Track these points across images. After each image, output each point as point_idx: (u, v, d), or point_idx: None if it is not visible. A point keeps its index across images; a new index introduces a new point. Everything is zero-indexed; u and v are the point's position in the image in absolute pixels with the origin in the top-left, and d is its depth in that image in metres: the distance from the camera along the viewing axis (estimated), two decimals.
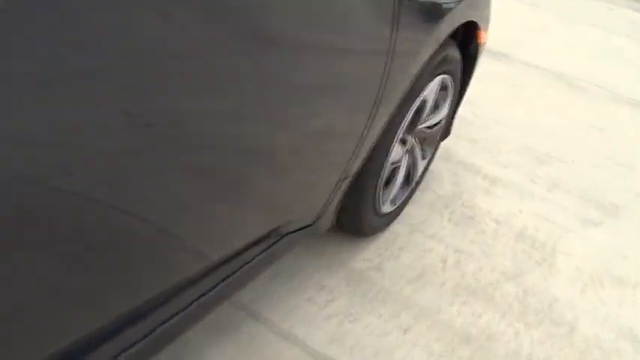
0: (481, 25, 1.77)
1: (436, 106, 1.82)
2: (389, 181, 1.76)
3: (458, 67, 1.80)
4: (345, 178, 1.37)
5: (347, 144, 1.28)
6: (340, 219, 1.69)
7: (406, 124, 1.58)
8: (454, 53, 1.71)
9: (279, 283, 1.63)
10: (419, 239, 1.93)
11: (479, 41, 1.85)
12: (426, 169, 2.03)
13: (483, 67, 3.40)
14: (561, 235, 2.10)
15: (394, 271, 1.77)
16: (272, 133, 1.05)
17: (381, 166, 1.57)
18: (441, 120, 1.91)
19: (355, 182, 1.51)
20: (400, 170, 1.79)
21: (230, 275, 1.20)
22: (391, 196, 1.78)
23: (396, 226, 1.96)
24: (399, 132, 1.56)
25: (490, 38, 3.70)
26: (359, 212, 1.63)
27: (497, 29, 3.94)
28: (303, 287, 1.63)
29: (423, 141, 1.91)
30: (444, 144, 2.48)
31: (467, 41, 1.87)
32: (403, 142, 1.69)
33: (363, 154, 1.39)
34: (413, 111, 1.59)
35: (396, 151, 1.64)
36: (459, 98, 2.01)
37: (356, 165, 1.39)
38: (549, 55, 3.68)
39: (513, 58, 3.55)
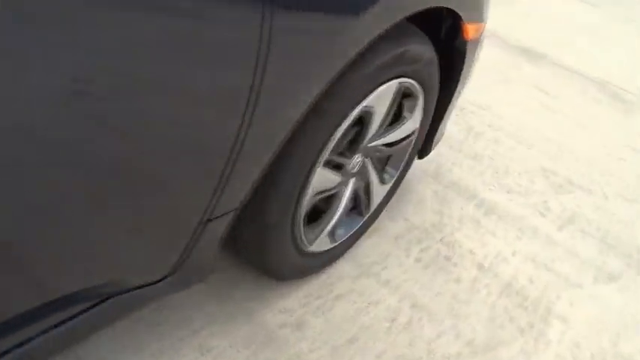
0: (464, 15, 1.31)
1: (397, 118, 1.38)
2: (323, 213, 1.35)
3: (430, 69, 1.36)
4: (212, 220, 0.97)
5: (200, 174, 0.88)
6: (251, 261, 1.31)
7: (336, 141, 1.16)
8: (421, 50, 1.27)
9: (152, 339, 1.24)
10: (367, 286, 1.50)
11: (464, 37, 1.39)
12: (390, 195, 1.59)
13: (513, 68, 2.91)
14: (562, 291, 1.63)
15: (319, 330, 1.36)
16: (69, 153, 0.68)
17: (296, 197, 1.16)
18: (410, 134, 1.47)
19: (252, 220, 1.12)
20: (339, 199, 1.37)
21: (25, 342, 0.86)
22: (326, 231, 1.36)
23: (344, 266, 1.54)
24: (322, 152, 1.14)
25: (528, 35, 3.20)
26: (267, 254, 1.23)
27: (539, 26, 3.41)
28: (181, 347, 1.24)
29: (383, 161, 1.48)
30: (435, 159, 2.04)
31: (452, 36, 1.43)
32: (338, 165, 1.27)
33: (243, 185, 0.98)
34: (347, 125, 1.16)
35: (325, 177, 1.23)
36: (442, 108, 1.56)
37: (232, 201, 0.98)
38: (595, 58, 3.13)
39: (551, 60, 3.02)
